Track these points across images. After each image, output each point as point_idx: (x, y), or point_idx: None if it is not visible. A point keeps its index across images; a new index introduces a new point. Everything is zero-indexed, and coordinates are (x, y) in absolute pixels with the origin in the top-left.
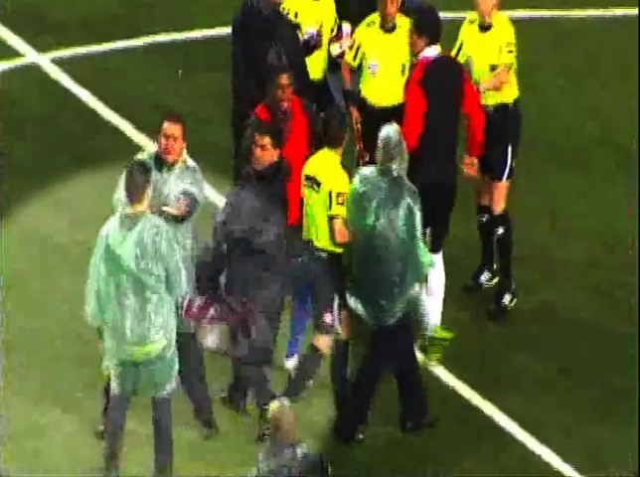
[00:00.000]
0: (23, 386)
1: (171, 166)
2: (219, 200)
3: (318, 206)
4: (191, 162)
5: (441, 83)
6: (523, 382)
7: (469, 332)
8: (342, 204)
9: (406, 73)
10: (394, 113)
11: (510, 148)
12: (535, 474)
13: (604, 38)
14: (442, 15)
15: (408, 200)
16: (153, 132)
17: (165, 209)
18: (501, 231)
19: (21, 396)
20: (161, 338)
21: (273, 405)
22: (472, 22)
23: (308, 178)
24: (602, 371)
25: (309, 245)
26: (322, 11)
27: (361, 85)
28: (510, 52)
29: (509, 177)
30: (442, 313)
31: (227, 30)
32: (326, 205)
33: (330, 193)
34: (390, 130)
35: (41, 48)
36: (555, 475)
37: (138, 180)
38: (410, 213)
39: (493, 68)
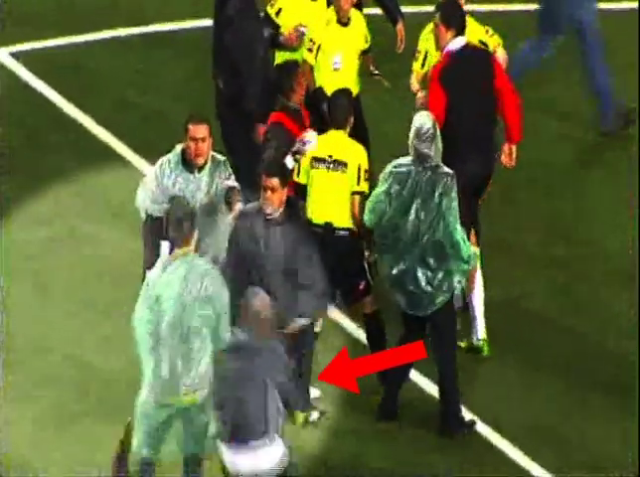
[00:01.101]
0: None
1: (202, 166)
2: None
3: (346, 186)
4: (218, 156)
5: (464, 75)
6: (491, 379)
7: None
8: (367, 180)
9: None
10: (356, 104)
11: None
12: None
13: None
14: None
15: (443, 187)
16: (116, 127)
17: (234, 212)
18: None
19: None
20: (203, 388)
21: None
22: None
23: (322, 160)
24: (567, 365)
25: (328, 227)
26: (312, 12)
27: (320, 83)
28: (492, 35)
29: None
30: None
31: (193, 23)
32: (353, 182)
33: (359, 168)
34: (421, 116)
35: (0, 41)
36: None
37: (185, 228)
38: (446, 200)
39: None
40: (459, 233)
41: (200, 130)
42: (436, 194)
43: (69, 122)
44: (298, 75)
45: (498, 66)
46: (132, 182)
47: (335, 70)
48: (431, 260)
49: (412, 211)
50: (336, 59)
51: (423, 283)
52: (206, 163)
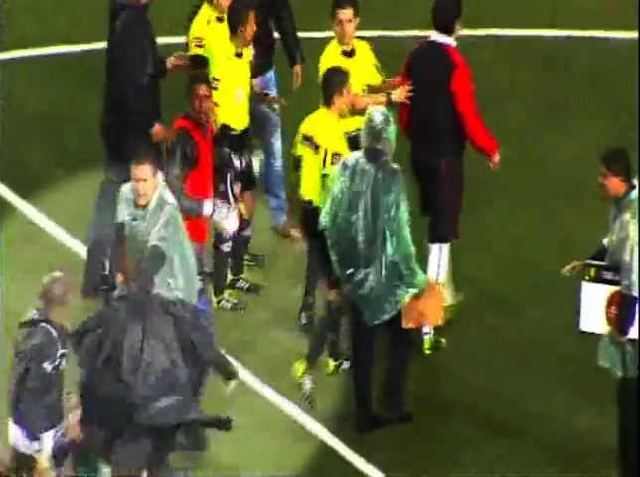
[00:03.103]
0: None
1: (145, 205)
2: None
3: (316, 166)
4: (166, 194)
5: (423, 66)
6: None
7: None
8: (334, 164)
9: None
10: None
11: None
12: None
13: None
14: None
15: (393, 186)
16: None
17: None
18: None
19: None
20: None
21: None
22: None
23: (306, 138)
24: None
25: (309, 204)
26: (219, 35)
27: (224, 118)
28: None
29: None
30: None
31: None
32: (321, 163)
33: (326, 151)
34: (375, 112)
35: None
36: None
37: None
38: (395, 199)
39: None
40: (406, 232)
41: (141, 171)
42: (385, 192)
43: None
44: (197, 89)
45: (460, 80)
46: None
47: (237, 102)
48: (377, 259)
49: (361, 207)
50: (239, 92)
51: (370, 285)
52: (149, 203)
